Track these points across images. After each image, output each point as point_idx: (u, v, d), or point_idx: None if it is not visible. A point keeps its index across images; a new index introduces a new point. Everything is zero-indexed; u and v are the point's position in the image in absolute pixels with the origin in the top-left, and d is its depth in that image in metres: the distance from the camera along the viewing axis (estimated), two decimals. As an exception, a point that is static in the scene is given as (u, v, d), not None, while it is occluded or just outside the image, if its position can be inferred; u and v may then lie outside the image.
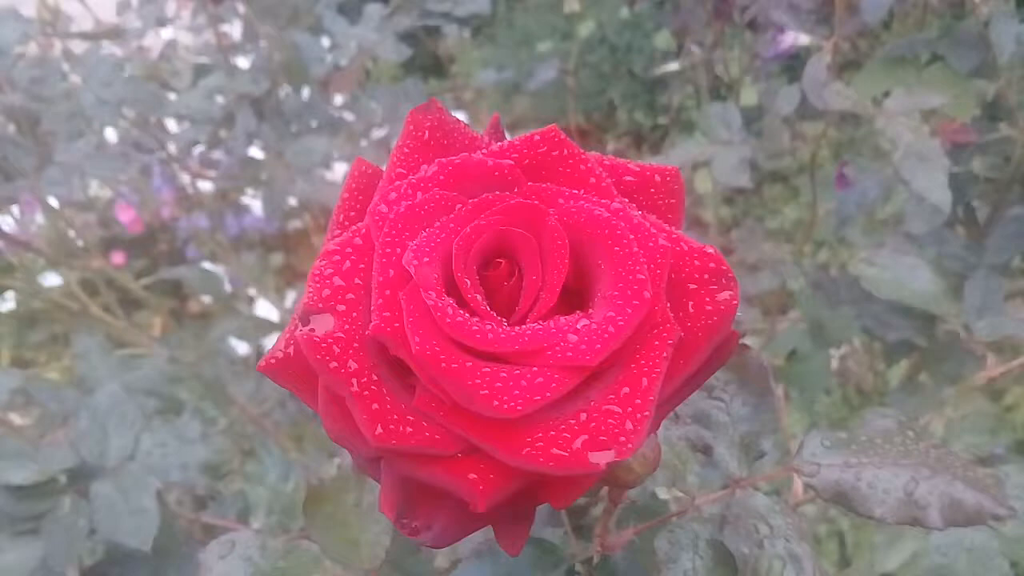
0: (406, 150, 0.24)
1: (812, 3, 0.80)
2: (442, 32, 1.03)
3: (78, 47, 0.89)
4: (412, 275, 0.21)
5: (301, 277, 1.17)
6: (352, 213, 0.24)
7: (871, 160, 0.88)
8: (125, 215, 1.27)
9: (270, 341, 1.24)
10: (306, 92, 0.90)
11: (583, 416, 0.21)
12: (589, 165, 0.23)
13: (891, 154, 0.65)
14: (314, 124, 0.88)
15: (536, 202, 0.22)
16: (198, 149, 0.87)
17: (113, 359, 0.79)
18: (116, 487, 0.58)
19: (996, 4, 0.69)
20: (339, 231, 0.24)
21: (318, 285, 0.22)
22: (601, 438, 0.20)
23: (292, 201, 0.85)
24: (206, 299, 1.27)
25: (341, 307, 0.22)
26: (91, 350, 0.79)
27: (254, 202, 1.11)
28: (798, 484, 0.51)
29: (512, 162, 0.23)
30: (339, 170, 1.00)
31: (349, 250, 0.22)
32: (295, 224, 1.16)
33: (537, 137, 0.23)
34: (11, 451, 0.53)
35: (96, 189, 1.19)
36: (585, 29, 2.05)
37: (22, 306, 1.13)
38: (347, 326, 0.21)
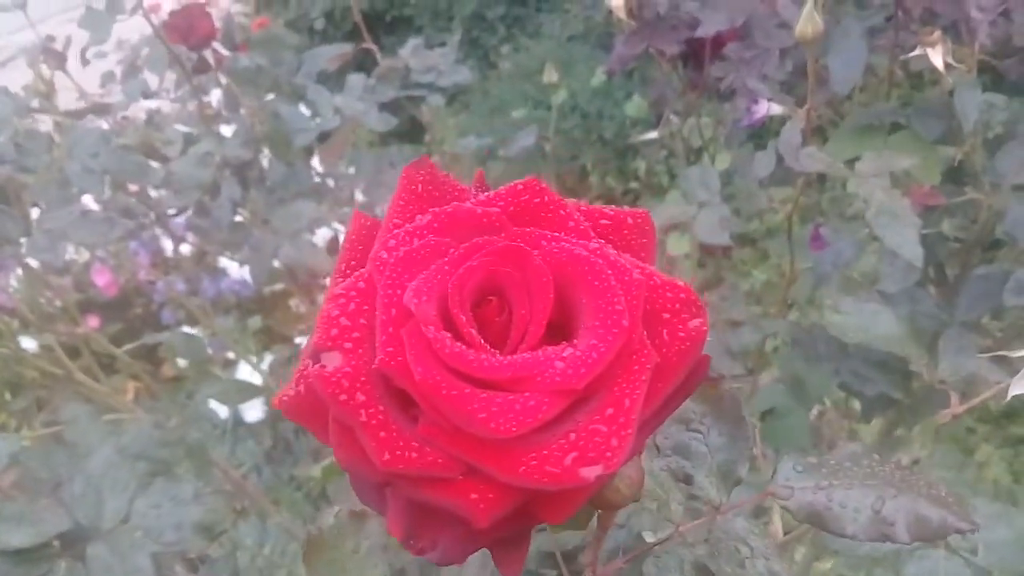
0: (401, 202, 0.26)
1: (783, 74, 0.85)
2: (424, 99, 1.07)
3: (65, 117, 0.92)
4: (413, 312, 0.23)
5: (279, 339, 1.18)
6: (353, 262, 0.27)
7: (838, 223, 0.91)
8: (101, 278, 1.27)
9: (249, 405, 1.24)
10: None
11: (572, 436, 0.23)
12: (568, 210, 0.26)
13: (864, 213, 0.67)
14: (297, 191, 0.90)
15: (521, 244, 0.25)
16: (184, 215, 0.89)
17: (103, 424, 0.79)
18: (111, 549, 0.58)
19: (959, 75, 0.73)
20: (341, 278, 0.26)
21: (326, 325, 0.24)
22: (590, 454, 0.22)
23: (275, 263, 0.87)
24: (181, 363, 1.27)
25: (348, 344, 0.24)
26: (81, 416, 0.79)
27: (231, 264, 1.13)
28: (777, 524, 0.52)
29: (498, 209, 0.26)
30: (321, 235, 1.03)
31: (353, 293, 0.24)
32: (273, 286, 1.18)
33: (520, 187, 0.26)
34: (10, 514, 0.53)
35: (72, 252, 1.20)
36: (558, 97, 2.13)
37: (3, 372, 1.13)
38: (354, 362, 0.23)
